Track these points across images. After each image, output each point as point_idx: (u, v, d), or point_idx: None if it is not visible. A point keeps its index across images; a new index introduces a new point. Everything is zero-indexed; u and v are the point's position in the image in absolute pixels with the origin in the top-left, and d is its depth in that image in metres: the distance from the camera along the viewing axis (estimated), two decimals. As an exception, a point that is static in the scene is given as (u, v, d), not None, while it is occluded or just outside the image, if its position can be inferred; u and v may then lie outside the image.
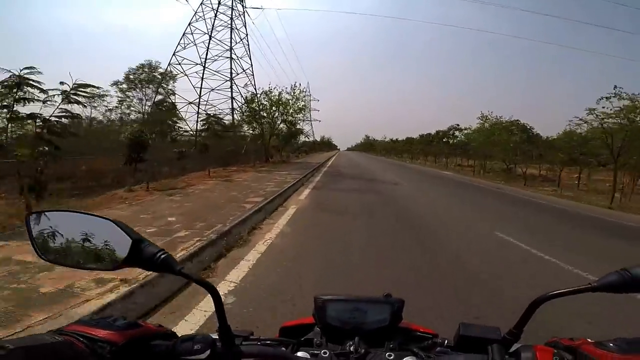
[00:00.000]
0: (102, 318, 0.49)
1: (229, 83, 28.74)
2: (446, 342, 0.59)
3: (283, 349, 0.56)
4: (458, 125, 37.61)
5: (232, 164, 16.46)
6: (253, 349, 0.52)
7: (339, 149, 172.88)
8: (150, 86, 23.19)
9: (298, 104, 22.96)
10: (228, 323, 0.51)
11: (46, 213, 0.54)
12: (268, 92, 22.55)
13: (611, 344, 0.44)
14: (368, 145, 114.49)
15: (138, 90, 22.99)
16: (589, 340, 0.48)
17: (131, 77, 22.72)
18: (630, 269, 0.47)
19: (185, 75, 29.34)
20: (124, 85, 23.22)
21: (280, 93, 22.39)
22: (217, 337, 0.51)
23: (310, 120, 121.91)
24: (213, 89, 29.82)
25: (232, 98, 28.80)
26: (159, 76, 23.15)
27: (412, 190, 11.31)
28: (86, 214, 0.54)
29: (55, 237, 0.53)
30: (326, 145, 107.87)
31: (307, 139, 57.24)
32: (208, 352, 0.48)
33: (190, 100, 28.45)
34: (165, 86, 23.26)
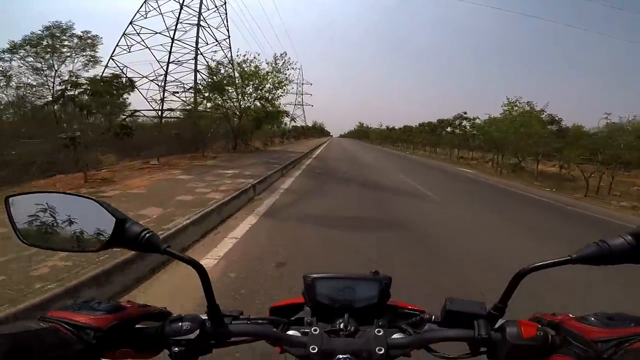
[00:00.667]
0: (85, 302, 0.48)
1: (198, 58, 23.42)
2: (433, 317, 0.58)
3: (274, 329, 0.56)
4: (465, 113, 33.22)
5: (189, 151, 13.23)
6: (243, 327, 0.54)
7: (331, 136, 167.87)
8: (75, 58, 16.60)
9: (278, 76, 17.66)
10: (217, 302, 0.51)
11: (27, 195, 0.52)
12: (242, 63, 17.29)
13: (592, 318, 0.46)
14: (361, 133, 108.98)
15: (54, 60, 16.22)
16: (571, 315, 0.49)
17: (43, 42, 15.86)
18: (608, 240, 0.47)
19: (147, 47, 24.01)
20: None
21: (257, 65, 17.24)
22: (206, 317, 0.51)
23: (302, 105, 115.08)
24: (178, 63, 24.48)
25: (196, 71, 23.35)
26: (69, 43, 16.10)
27: (458, 213, 6.44)
28: (68, 194, 0.52)
29: (37, 220, 0.51)
30: (318, 131, 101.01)
31: (294, 123, 52.16)
32: (197, 331, 0.49)
33: (148, 76, 23.08)
34: (91, 57, 16.80)
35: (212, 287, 0.51)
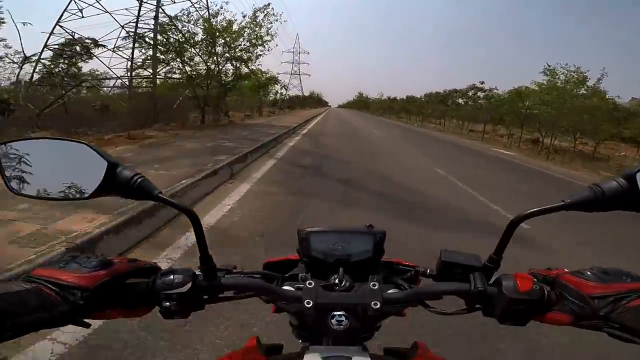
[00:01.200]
0: (72, 257, 0.46)
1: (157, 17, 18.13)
2: (428, 271, 0.57)
3: (268, 284, 0.54)
4: (482, 83, 28.89)
5: (150, 126, 10.64)
6: (236, 280, 0.52)
7: (329, 106, 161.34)
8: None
9: (256, 31, 13.36)
10: (210, 253, 0.50)
11: (17, 142, 0.50)
12: (210, 18, 13.24)
13: (588, 272, 0.45)
14: (361, 103, 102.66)
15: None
16: (566, 270, 0.48)
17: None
18: (602, 184, 0.45)
19: (107, 12, 18.68)
20: None
21: (230, 20, 13.35)
22: (199, 271, 0.50)
23: (299, 74, 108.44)
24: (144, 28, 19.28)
25: (157, 32, 17.73)
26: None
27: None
28: (59, 139, 0.50)
29: (27, 168, 0.49)
30: (315, 101, 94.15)
31: (285, 92, 47.25)
32: (189, 285, 0.47)
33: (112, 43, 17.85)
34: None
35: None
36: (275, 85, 27.26)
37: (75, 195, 0.49)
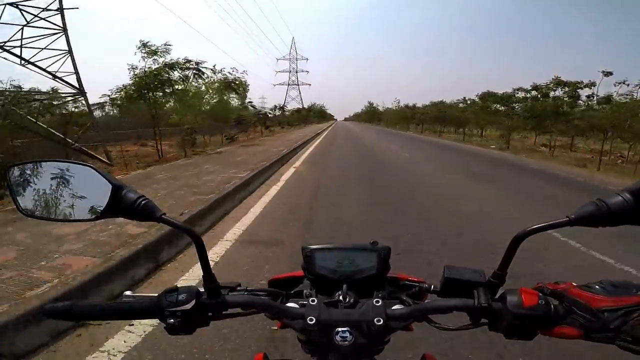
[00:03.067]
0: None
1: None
2: (432, 287, 0.58)
3: (272, 301, 0.57)
4: (536, 86, 19.92)
5: None
6: (240, 298, 0.54)
7: (335, 120, 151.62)
8: None
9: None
10: (213, 272, 0.52)
11: (28, 164, 0.54)
12: None
13: (597, 286, 0.46)
14: (372, 115, 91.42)
15: None
16: (574, 284, 0.49)
17: None
18: (606, 199, 0.45)
19: None
20: None
21: None
22: (203, 289, 0.53)
23: (297, 85, 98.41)
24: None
25: None
26: None
27: None
28: (65, 162, 0.53)
29: (37, 189, 0.53)
30: (317, 115, 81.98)
31: (276, 107, 37.09)
32: (193, 302, 0.50)
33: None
34: None
35: None
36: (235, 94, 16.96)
37: (83, 217, 0.52)
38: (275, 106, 52.60)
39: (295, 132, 27.63)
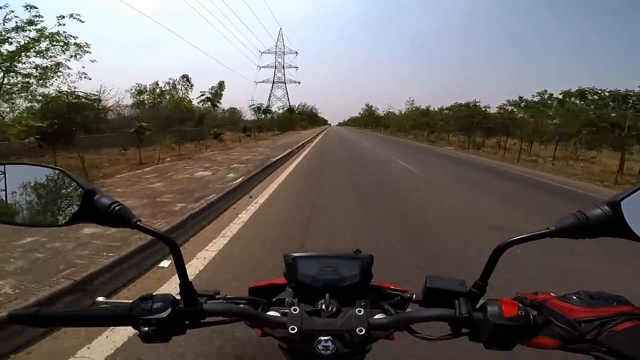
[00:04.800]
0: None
1: None
2: (414, 297, 0.60)
3: (252, 309, 0.58)
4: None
5: None
6: (218, 306, 0.54)
7: (329, 124, 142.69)
8: None
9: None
10: (190, 280, 0.52)
11: None
12: None
13: (575, 297, 0.48)
14: (370, 119, 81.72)
15: None
16: (552, 294, 0.51)
17: None
18: (586, 211, 0.47)
19: None
20: None
21: None
22: (179, 296, 0.53)
23: (284, 82, 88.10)
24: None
25: None
26: None
27: None
28: (35, 165, 0.53)
29: (2, 193, 0.51)
30: (306, 119, 68.49)
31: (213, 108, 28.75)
32: (169, 310, 0.49)
33: None
34: None
35: None
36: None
37: (52, 222, 0.52)
38: (259, 107, 43.26)
39: (237, 157, 17.79)
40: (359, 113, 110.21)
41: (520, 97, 23.95)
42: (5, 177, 0.50)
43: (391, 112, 61.88)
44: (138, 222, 0.49)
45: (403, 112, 49.82)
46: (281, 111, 46.63)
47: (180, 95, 24.31)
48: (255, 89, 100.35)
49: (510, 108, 24.81)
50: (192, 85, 26.98)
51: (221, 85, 32.75)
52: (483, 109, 27.62)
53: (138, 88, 21.20)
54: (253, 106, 43.05)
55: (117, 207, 0.49)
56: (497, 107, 26.36)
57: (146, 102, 20.98)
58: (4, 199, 0.50)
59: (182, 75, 26.06)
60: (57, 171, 0.51)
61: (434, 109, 41.13)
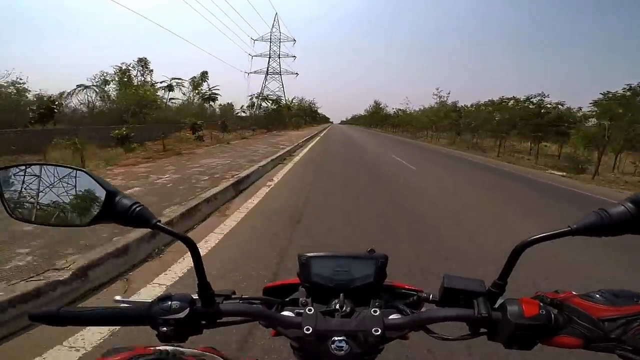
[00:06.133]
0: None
1: None
2: (431, 296, 0.59)
3: (267, 309, 0.58)
4: None
5: None
6: (234, 306, 0.55)
7: (331, 122, 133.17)
8: None
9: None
10: (207, 280, 0.54)
11: (17, 167, 0.54)
12: None
13: (597, 296, 0.47)
14: (378, 118, 71.08)
15: None
16: (574, 292, 0.50)
17: None
18: (608, 208, 0.47)
19: None
20: None
21: None
22: (197, 296, 0.54)
23: (280, 74, 77.06)
24: None
25: None
26: None
27: None
28: (58, 166, 0.54)
29: (27, 193, 0.53)
30: (303, 115, 58.39)
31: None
32: (187, 310, 0.50)
33: None
34: None
35: None
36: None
37: (74, 222, 0.53)
38: (253, 100, 34.25)
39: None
40: (365, 110, 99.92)
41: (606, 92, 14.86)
42: (40, 178, 0.52)
43: (406, 109, 51.71)
44: (157, 223, 0.51)
45: (426, 107, 39.75)
46: (271, 104, 36.36)
47: (136, 83, 22.89)
48: (248, 80, 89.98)
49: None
50: (151, 70, 26.30)
51: (204, 75, 31.60)
52: (553, 106, 21.09)
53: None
54: (251, 100, 37.06)
55: (137, 208, 0.51)
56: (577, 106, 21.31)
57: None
58: (29, 199, 0.52)
59: (139, 59, 25.56)
60: (81, 172, 0.52)
61: (463, 105, 31.50)
